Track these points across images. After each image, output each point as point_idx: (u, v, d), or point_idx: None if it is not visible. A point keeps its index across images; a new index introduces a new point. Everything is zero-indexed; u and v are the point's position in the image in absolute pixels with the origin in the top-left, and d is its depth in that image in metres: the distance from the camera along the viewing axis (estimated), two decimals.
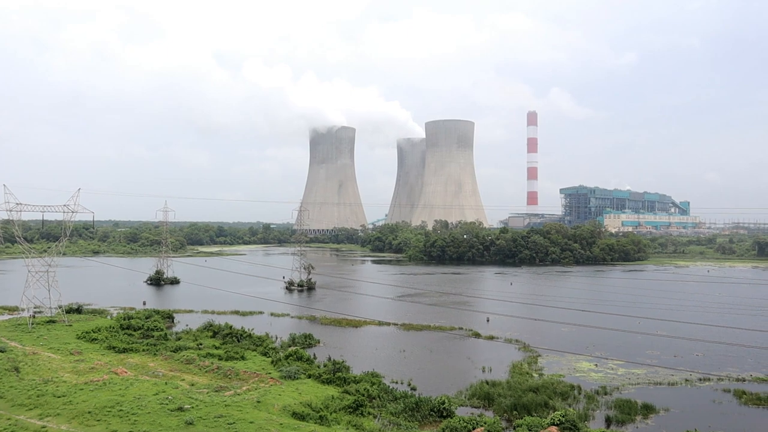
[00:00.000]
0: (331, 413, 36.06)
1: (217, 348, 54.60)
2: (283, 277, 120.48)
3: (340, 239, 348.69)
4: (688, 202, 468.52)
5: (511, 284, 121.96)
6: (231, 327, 62.97)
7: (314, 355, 52.51)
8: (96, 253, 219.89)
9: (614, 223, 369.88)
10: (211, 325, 64.28)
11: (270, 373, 45.43)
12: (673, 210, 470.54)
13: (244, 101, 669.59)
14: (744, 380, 46.61)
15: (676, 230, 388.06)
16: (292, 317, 78.09)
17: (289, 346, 56.10)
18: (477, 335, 64.95)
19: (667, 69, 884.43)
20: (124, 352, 52.46)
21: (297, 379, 44.23)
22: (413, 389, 43.63)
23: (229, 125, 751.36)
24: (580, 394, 42.32)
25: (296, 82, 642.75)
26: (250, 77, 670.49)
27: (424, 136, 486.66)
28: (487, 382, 44.26)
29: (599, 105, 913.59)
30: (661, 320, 72.39)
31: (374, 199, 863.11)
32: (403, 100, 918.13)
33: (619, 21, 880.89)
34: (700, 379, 46.66)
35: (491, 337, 63.71)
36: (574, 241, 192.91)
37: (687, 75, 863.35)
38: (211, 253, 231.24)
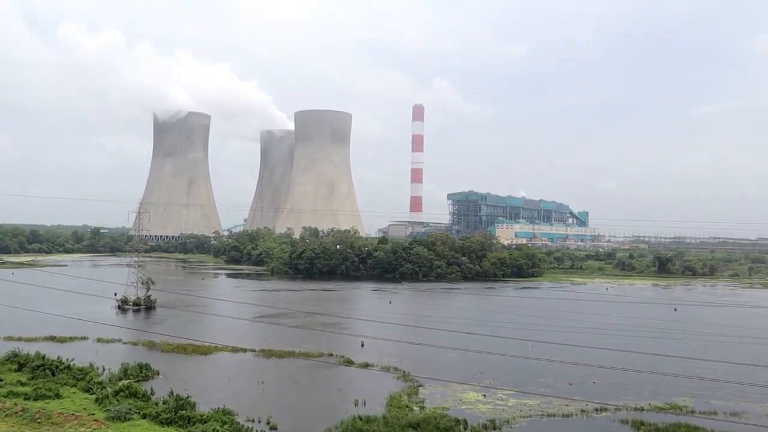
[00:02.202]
0: None
1: (23, 384, 50.97)
2: (115, 294, 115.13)
3: (189, 248, 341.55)
4: (587, 213, 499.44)
5: (390, 303, 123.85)
6: (44, 357, 59.04)
7: (152, 389, 50.34)
8: None
9: (507, 234, 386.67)
10: (16, 356, 59.89)
11: (93, 414, 43.02)
12: (570, 221, 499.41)
13: (61, 74, 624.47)
14: (643, 409, 49.74)
15: (573, 243, 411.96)
16: (124, 343, 74.76)
17: (120, 380, 53.50)
18: (349, 362, 65.10)
19: (559, 65, 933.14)
20: None
21: (128, 420, 42.18)
22: (273, 428, 42.98)
23: (42, 103, 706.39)
24: (466, 429, 43.34)
25: (131, 54, 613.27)
26: (69, 44, 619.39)
27: (292, 128, 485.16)
28: (360, 418, 44.26)
29: (490, 101, 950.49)
30: (555, 344, 76.00)
31: (231, 201, 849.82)
32: (270, 88, 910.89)
33: (508, 7, 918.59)
34: (597, 410, 49.27)
35: (366, 365, 64.04)
36: (463, 253, 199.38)
37: (581, 73, 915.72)
38: (21, 264, 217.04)
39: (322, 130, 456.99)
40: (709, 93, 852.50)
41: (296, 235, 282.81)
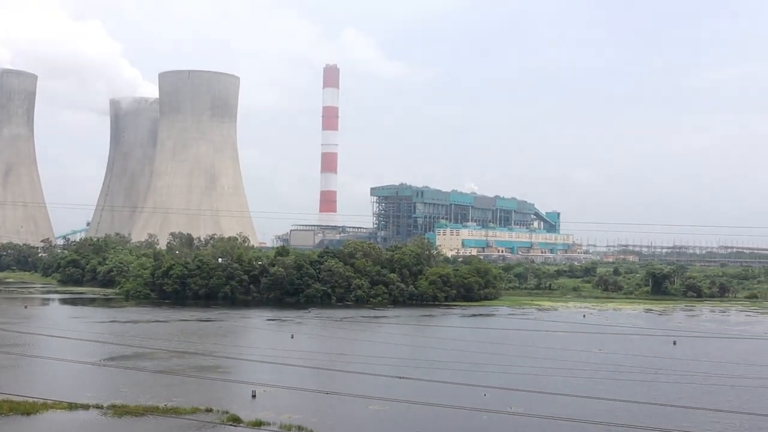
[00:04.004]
0: None
1: None
2: None
3: (6, 263, 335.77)
4: (558, 214, 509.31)
5: (293, 337, 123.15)
6: None
7: None
8: None
9: (452, 242, 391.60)
10: None
11: None
12: (536, 224, 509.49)
13: None
14: None
15: (540, 254, 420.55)
16: None
17: None
18: (235, 420, 64.05)
19: (520, 14, 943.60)
20: None
21: None
22: None
23: None
24: None
25: None
26: None
27: (154, 95, 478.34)
28: None
29: (426, 60, 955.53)
30: (516, 391, 76.71)
31: (68, 197, 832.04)
32: (120, 34, 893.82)
33: None
34: None
35: (258, 424, 63.15)
36: (392, 269, 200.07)
37: (547, 26, 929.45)
38: None
39: (197, 100, 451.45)
40: (720, 52, 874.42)
41: (162, 245, 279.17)
